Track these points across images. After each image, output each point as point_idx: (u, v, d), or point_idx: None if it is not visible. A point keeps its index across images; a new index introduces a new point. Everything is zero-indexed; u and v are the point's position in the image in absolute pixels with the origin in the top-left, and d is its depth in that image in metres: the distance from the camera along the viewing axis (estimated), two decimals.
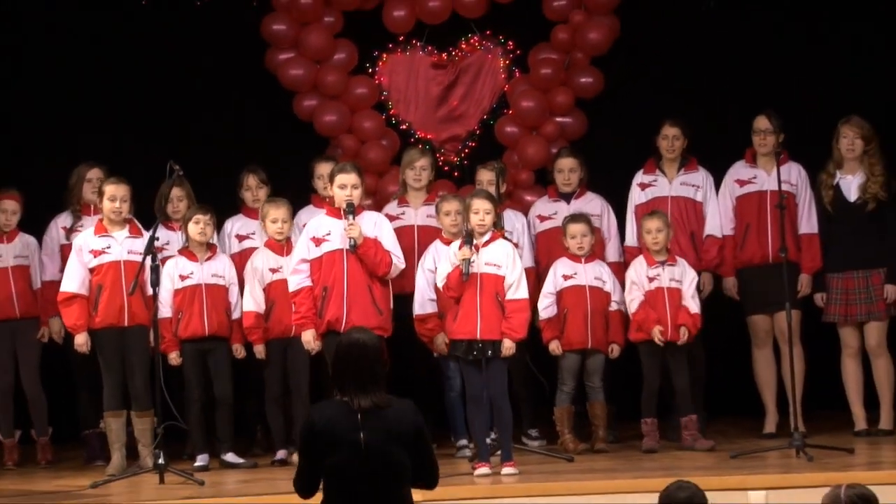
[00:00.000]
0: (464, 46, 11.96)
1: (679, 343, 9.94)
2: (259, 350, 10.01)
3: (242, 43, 11.86)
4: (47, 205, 10.74)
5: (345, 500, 5.96)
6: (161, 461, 9.14)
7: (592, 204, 10.63)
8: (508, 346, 9.21)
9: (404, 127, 11.94)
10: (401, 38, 11.93)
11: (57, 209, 10.66)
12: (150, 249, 9.37)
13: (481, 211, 9.29)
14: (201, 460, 9.86)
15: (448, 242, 9.71)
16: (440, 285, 9.38)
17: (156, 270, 9.36)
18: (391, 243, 9.37)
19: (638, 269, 10.08)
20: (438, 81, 11.97)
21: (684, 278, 10.04)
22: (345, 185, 9.24)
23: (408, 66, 11.99)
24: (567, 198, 10.63)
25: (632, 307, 10.05)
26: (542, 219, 10.64)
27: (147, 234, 9.62)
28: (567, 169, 10.63)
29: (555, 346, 10.01)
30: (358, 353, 6.05)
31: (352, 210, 9.19)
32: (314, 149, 11.62)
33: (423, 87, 11.97)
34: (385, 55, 11.98)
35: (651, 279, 10.01)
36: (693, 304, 10.00)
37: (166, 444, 9.35)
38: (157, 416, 9.44)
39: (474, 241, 9.23)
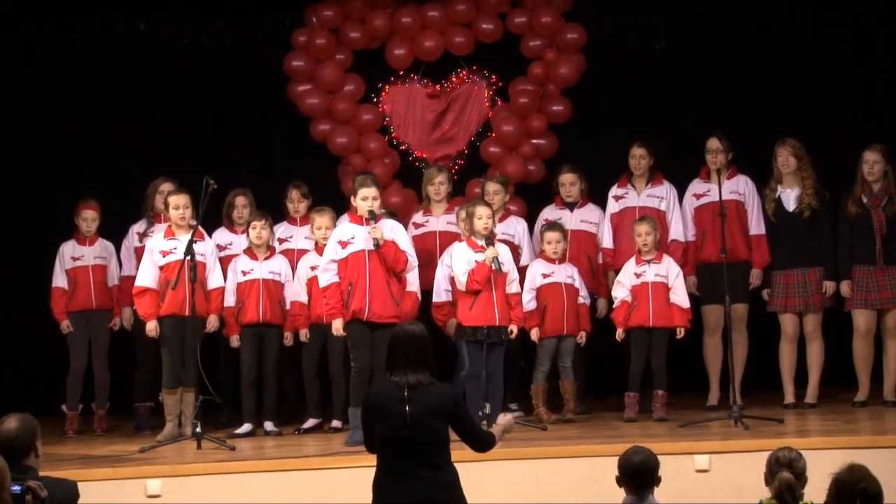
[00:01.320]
0: (454, 79, 11.99)
1: (679, 338, 9.96)
2: (304, 334, 10.09)
3: (268, 76, 11.91)
4: (121, 213, 10.82)
5: (395, 463, 6.02)
6: (198, 430, 9.17)
7: (592, 213, 10.65)
8: (515, 331, 9.46)
9: (404, 147, 11.97)
10: (401, 73, 11.97)
11: (126, 217, 10.73)
12: (189, 250, 9.41)
13: (484, 216, 9.43)
14: (246, 428, 9.89)
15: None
16: (463, 281, 9.42)
17: (193, 269, 9.40)
18: (406, 245, 9.38)
19: (627, 268, 10.08)
20: (433, 109, 11.98)
21: (669, 274, 10.00)
22: (367, 197, 9.26)
23: (407, 96, 12.01)
24: (571, 207, 10.64)
25: (615, 304, 10.11)
26: (549, 223, 10.58)
27: (207, 237, 9.87)
28: (568, 183, 10.63)
29: (535, 334, 10.01)
30: (408, 339, 6.17)
31: (373, 216, 9.22)
32: (328, 166, 11.70)
33: (420, 113, 11.98)
34: (388, 87, 12.00)
35: (638, 275, 9.99)
36: (684, 301, 9.99)
37: (203, 415, 9.39)
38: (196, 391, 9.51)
39: (492, 241, 9.38)
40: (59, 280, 10.53)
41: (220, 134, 11.79)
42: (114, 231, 10.72)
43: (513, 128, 11.79)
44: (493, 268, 9.27)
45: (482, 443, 6.36)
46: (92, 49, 11.75)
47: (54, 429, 10.26)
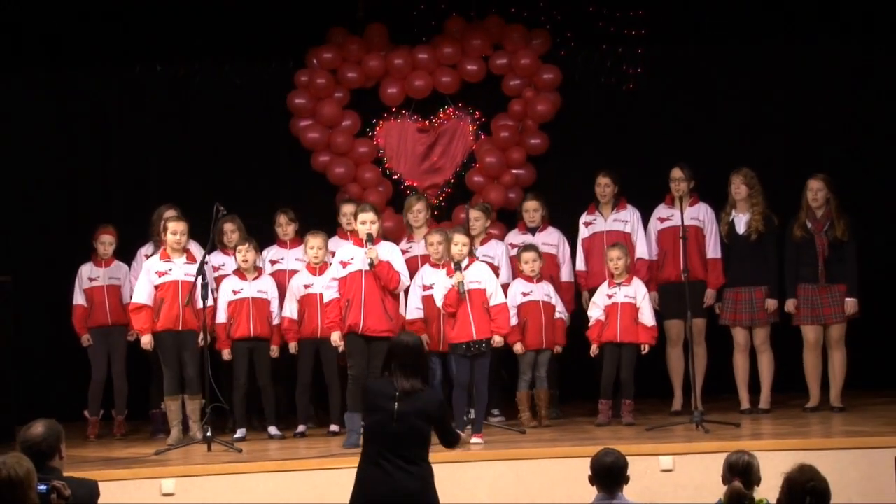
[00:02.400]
0: (442, 115, 11.99)
1: (643, 353, 9.94)
2: (293, 346, 10.05)
3: (272, 113, 11.91)
4: (132, 237, 10.81)
5: (377, 453, 6.07)
6: (208, 434, 9.15)
7: (552, 236, 10.63)
8: (498, 341, 9.42)
9: (396, 177, 11.96)
10: (393, 109, 11.97)
11: (136, 241, 10.71)
12: (201, 271, 9.40)
13: (460, 243, 9.41)
14: (240, 433, 9.86)
15: (435, 266, 9.82)
16: (439, 305, 9.46)
17: (204, 288, 9.38)
18: (400, 266, 9.44)
19: (601, 290, 10.08)
20: (422, 142, 11.98)
21: (637, 294, 9.98)
22: (365, 221, 9.33)
23: (399, 131, 12.01)
24: (533, 231, 10.63)
25: (590, 322, 10.10)
26: (513, 246, 10.59)
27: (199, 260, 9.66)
28: (532, 209, 10.63)
29: (519, 348, 10.00)
30: (403, 350, 6.29)
31: (370, 239, 9.26)
32: (327, 194, 11.70)
33: (411, 146, 11.98)
34: (381, 122, 12.00)
35: (609, 296, 9.99)
36: (649, 320, 9.97)
37: (213, 420, 9.36)
38: (204, 399, 9.44)
39: (460, 266, 9.35)
40: (79, 298, 10.55)
41: (229, 164, 11.77)
42: (129, 254, 10.71)
43: (495, 159, 11.79)
44: (459, 291, 9.27)
45: (452, 441, 6.51)
46: (114, 87, 11.78)
47: (77, 433, 10.24)
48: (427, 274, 9.96)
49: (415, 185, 11.84)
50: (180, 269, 9.68)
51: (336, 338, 9.37)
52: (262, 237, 10.52)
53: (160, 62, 11.73)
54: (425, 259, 10.30)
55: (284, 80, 11.88)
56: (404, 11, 11.96)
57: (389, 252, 9.44)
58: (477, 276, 9.41)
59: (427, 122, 11.98)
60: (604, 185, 10.51)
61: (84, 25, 11.58)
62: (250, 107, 11.87)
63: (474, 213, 10.48)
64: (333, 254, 9.78)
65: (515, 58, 11.84)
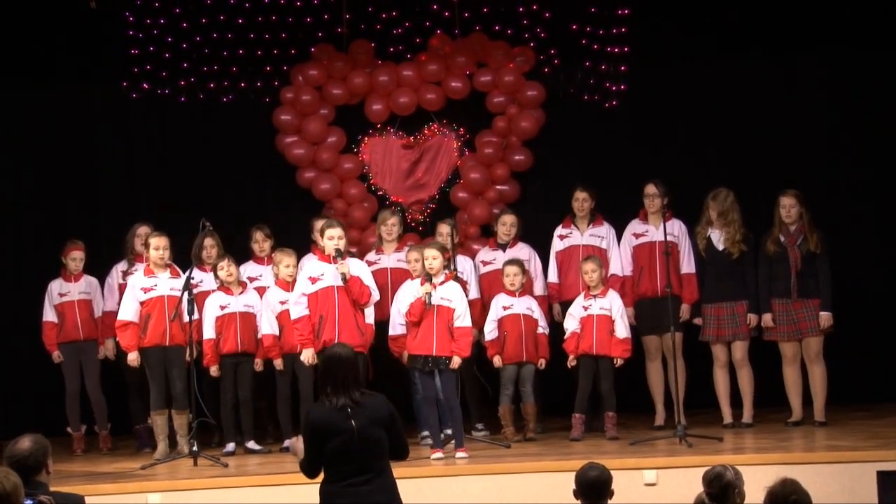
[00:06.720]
0: (426, 132, 12.00)
1: (616, 366, 9.94)
2: (278, 363, 10.01)
3: (258, 129, 11.92)
4: (106, 252, 10.81)
5: (342, 472, 6.00)
6: (195, 448, 9.13)
7: (523, 251, 10.62)
8: (457, 362, 9.34)
9: (381, 193, 11.97)
10: (379, 126, 11.98)
11: (110, 256, 10.72)
12: (187, 287, 9.38)
13: (430, 257, 9.44)
14: (229, 447, 9.85)
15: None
16: (403, 312, 9.47)
17: (191, 303, 9.37)
18: (369, 280, 9.44)
19: (577, 302, 10.08)
20: (407, 158, 11.98)
21: (612, 307, 9.99)
22: (333, 237, 9.33)
23: (384, 147, 12.02)
24: (503, 247, 10.63)
25: (566, 334, 10.10)
26: (485, 263, 10.63)
27: (184, 275, 9.65)
28: (509, 223, 10.63)
29: (497, 361, 10.00)
30: (342, 363, 6.13)
31: (339, 254, 9.26)
32: (312, 210, 11.67)
33: (396, 162, 11.98)
34: (367, 138, 12.01)
35: (585, 308, 10.01)
36: (623, 331, 9.96)
37: (199, 435, 9.35)
38: (191, 414, 9.42)
39: (433, 280, 9.34)
40: (49, 315, 10.49)
41: (216, 180, 11.76)
42: (106, 270, 10.71)
43: (479, 175, 11.81)
44: (425, 302, 9.29)
45: (402, 450, 6.25)
46: (102, 105, 11.79)
47: (64, 448, 10.21)
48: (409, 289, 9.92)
49: (400, 200, 11.84)
50: (165, 284, 9.67)
51: (308, 355, 9.34)
52: (248, 253, 10.54)
53: (145, 79, 11.73)
54: (395, 272, 10.36)
55: (270, 97, 11.89)
56: (389, 29, 11.99)
57: (358, 267, 9.47)
58: (449, 294, 9.42)
59: (412, 138, 11.99)
60: (581, 200, 10.54)
61: (68, 42, 11.60)
62: (236, 124, 11.87)
63: (444, 229, 10.48)
64: None
65: (499, 75, 11.86)
